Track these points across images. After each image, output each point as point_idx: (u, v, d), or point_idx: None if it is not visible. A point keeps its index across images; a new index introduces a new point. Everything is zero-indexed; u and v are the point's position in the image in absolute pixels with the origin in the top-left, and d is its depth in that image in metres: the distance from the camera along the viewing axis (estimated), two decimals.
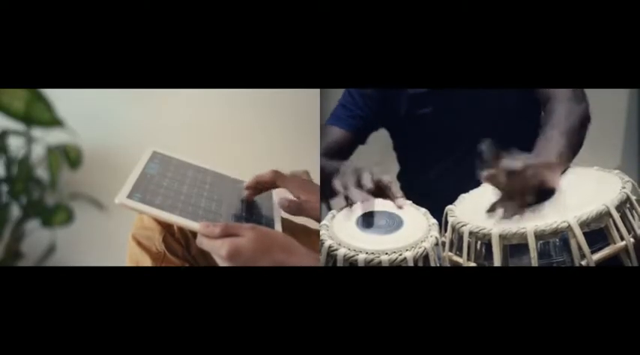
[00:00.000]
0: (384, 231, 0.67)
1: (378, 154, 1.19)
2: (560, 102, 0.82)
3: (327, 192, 0.76)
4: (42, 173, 1.32)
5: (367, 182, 0.72)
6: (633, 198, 0.65)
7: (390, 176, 0.74)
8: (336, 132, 1.01)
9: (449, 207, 0.73)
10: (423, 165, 1.04)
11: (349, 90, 1.03)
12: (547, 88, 0.87)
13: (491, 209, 0.69)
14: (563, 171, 0.74)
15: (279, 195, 0.77)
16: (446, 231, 0.72)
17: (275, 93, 1.26)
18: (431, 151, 1.02)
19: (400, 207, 0.71)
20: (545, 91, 0.87)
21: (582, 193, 0.67)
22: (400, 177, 1.11)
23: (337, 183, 0.73)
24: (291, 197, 0.74)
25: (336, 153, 0.98)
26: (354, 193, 0.70)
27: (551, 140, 0.75)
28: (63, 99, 1.27)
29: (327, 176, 0.77)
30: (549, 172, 0.69)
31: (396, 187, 0.73)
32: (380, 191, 0.73)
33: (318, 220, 0.73)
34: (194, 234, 0.64)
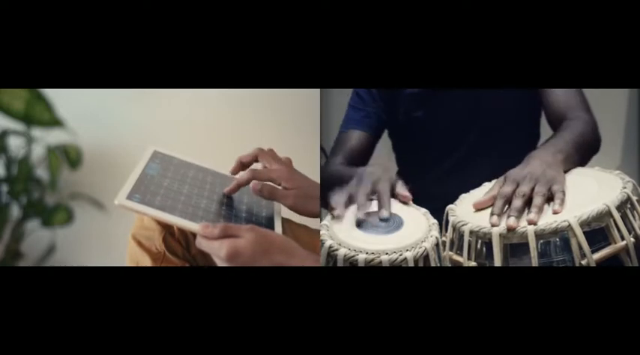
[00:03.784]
0: (385, 231, 0.67)
1: (376, 154, 1.19)
2: (576, 123, 0.82)
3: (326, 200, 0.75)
4: (42, 173, 1.32)
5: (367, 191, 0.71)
6: (634, 198, 0.65)
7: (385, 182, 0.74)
8: (357, 136, 1.00)
9: (450, 206, 0.73)
10: (423, 166, 1.04)
11: (356, 91, 1.03)
12: (560, 109, 0.87)
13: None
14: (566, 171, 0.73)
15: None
16: (446, 230, 0.72)
17: (275, 93, 1.26)
18: (431, 151, 1.02)
19: (405, 203, 0.71)
20: (559, 111, 0.87)
21: (583, 193, 0.67)
22: (399, 177, 1.11)
23: (338, 199, 0.72)
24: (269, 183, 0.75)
25: (359, 156, 0.97)
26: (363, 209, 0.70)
27: (556, 143, 0.75)
28: (63, 99, 1.27)
29: (343, 182, 0.76)
30: (552, 171, 0.69)
31: (398, 187, 0.73)
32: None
33: (291, 207, 0.74)
34: (194, 235, 0.64)
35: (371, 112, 1.01)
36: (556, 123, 0.86)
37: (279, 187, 0.75)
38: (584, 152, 0.77)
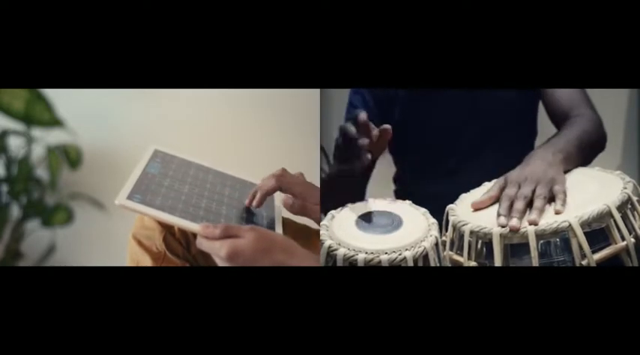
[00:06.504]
0: (384, 230, 0.67)
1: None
2: (579, 121, 0.81)
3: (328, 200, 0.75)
4: (42, 173, 1.32)
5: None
6: (634, 198, 0.65)
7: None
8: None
9: (450, 206, 0.73)
10: (422, 166, 1.04)
11: (355, 91, 1.02)
12: (563, 107, 0.87)
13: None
14: (567, 171, 0.73)
15: (282, 194, 0.77)
16: (447, 230, 0.72)
17: (275, 93, 1.26)
18: (429, 152, 1.02)
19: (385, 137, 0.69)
20: (562, 109, 0.87)
21: (584, 193, 0.67)
22: (396, 179, 1.10)
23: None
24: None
25: None
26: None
27: (557, 143, 0.75)
28: (63, 99, 1.27)
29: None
30: (552, 171, 0.69)
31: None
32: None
33: (318, 222, 0.73)
34: (194, 235, 0.64)
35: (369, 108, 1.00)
36: (559, 122, 0.86)
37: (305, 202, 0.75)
38: (587, 150, 0.77)
